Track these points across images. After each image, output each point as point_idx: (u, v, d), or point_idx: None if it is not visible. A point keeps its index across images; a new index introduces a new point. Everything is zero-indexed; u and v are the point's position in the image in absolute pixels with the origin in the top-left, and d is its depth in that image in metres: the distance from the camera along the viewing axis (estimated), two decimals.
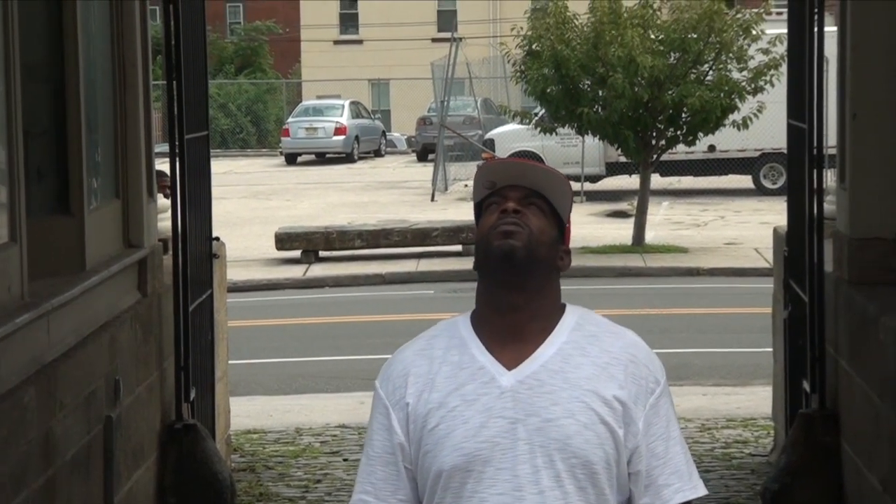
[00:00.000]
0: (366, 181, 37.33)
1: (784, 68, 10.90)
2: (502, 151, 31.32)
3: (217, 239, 9.22)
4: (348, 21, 60.38)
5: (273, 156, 48.85)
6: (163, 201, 8.45)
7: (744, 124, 21.84)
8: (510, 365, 3.20)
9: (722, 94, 21.16)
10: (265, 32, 63.74)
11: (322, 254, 22.05)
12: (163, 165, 8.41)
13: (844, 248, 7.34)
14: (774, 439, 9.76)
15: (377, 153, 47.60)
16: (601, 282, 19.62)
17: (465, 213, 24.83)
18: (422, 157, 43.59)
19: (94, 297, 6.54)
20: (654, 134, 21.91)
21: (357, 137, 45.66)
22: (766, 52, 21.33)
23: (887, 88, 7.18)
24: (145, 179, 7.63)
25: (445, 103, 34.61)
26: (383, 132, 49.06)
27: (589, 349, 3.23)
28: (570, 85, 21.51)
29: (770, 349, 10.08)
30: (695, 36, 21.30)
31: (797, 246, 8.24)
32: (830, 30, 7.64)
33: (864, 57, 7.24)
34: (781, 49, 18.58)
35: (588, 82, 21.56)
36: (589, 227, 24.76)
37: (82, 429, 6.08)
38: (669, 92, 21.14)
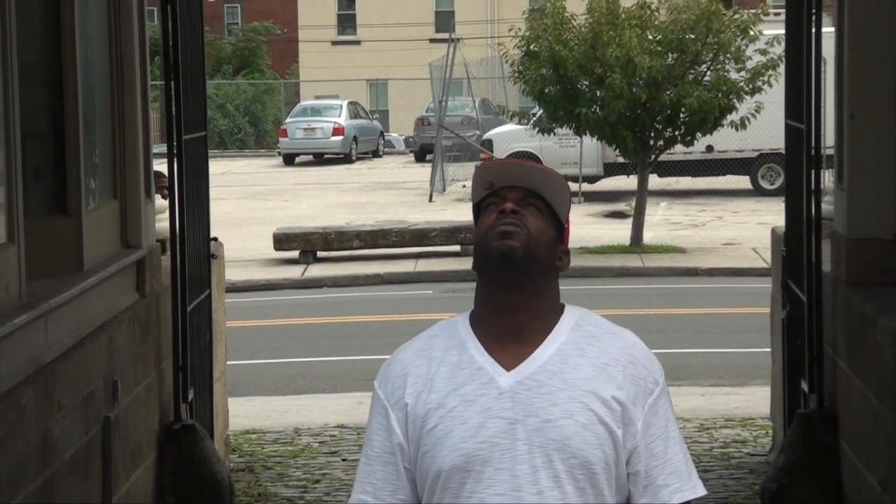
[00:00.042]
0: (364, 181, 37.33)
1: (782, 69, 10.89)
2: (500, 152, 31.32)
3: (215, 239, 9.22)
4: (346, 22, 60.37)
5: (271, 156, 48.84)
6: (161, 202, 8.45)
7: (742, 125, 21.85)
8: (509, 365, 3.20)
9: (720, 95, 21.17)
10: (263, 33, 63.76)
11: (320, 254, 22.05)
12: (161, 166, 8.41)
13: (842, 249, 7.34)
14: (773, 439, 9.76)
15: (375, 153, 47.60)
16: (599, 282, 19.63)
17: (463, 214, 24.84)
18: (420, 157, 43.59)
19: (92, 298, 6.54)
20: (652, 134, 21.92)
21: (355, 138, 45.65)
22: (763, 52, 21.33)
23: (885, 89, 7.18)
24: (143, 180, 7.63)
25: (443, 104, 34.61)
26: (381, 132, 49.05)
27: (588, 350, 3.23)
28: (568, 85, 21.52)
29: (768, 349, 10.09)
30: (692, 36, 21.30)
31: (795, 246, 8.25)
32: (828, 30, 7.65)
33: (862, 58, 7.25)
34: (779, 49, 18.58)
35: (586, 83, 21.57)
36: (587, 228, 24.76)
37: (80, 429, 6.08)
38: (667, 92, 21.15)
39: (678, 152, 26.48)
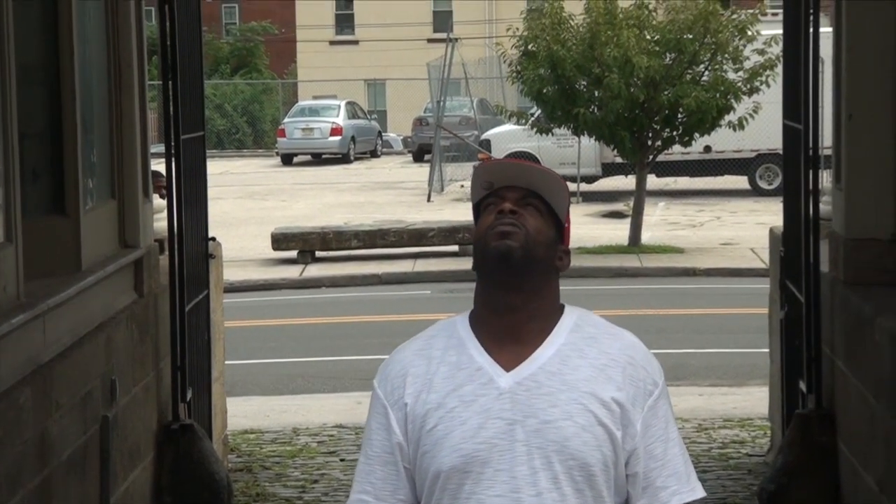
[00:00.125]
0: (362, 181, 37.32)
1: (780, 69, 10.90)
2: (498, 152, 31.32)
3: (213, 239, 9.21)
4: (344, 21, 60.35)
5: (269, 156, 48.83)
6: (159, 202, 8.45)
7: (739, 125, 21.85)
8: (508, 366, 3.20)
9: (718, 95, 21.17)
10: (261, 33, 63.75)
11: (318, 254, 22.05)
12: (159, 166, 8.40)
13: (840, 249, 7.34)
14: (771, 439, 9.76)
15: (373, 154, 47.59)
16: (597, 282, 19.63)
17: (461, 214, 24.83)
18: (418, 157, 43.57)
19: (90, 298, 6.54)
20: (650, 134, 21.92)
21: (353, 138, 45.64)
22: (761, 52, 21.33)
23: (882, 89, 7.19)
24: (141, 180, 7.63)
25: (441, 104, 34.60)
26: (379, 133, 49.04)
27: (587, 351, 3.23)
28: (566, 85, 21.52)
29: (766, 349, 10.09)
30: (690, 36, 21.30)
31: (793, 246, 8.25)
32: (826, 30, 7.65)
33: (860, 57, 7.25)
34: (777, 50, 18.59)
35: (584, 83, 21.56)
36: (585, 228, 24.76)
37: (78, 429, 6.07)
38: (665, 92, 21.15)
39: (676, 152, 26.48)
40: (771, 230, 9.84)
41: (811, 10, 7.78)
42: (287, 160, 45.08)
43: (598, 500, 3.16)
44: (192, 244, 8.34)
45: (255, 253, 22.80)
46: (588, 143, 27.51)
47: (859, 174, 7.27)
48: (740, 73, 21.54)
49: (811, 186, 7.74)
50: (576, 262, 20.05)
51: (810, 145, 7.79)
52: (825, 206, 7.92)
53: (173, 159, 8.07)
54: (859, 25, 7.27)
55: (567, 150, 30.33)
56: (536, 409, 3.16)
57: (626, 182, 28.71)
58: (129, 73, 7.51)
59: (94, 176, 7.08)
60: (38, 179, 6.55)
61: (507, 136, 32.22)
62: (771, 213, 22.90)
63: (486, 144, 33.02)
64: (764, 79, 21.31)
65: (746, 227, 24.92)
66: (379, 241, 22.00)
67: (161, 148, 8.24)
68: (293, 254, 21.96)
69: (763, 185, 30.83)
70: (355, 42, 59.16)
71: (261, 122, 53.91)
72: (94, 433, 6.31)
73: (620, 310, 16.39)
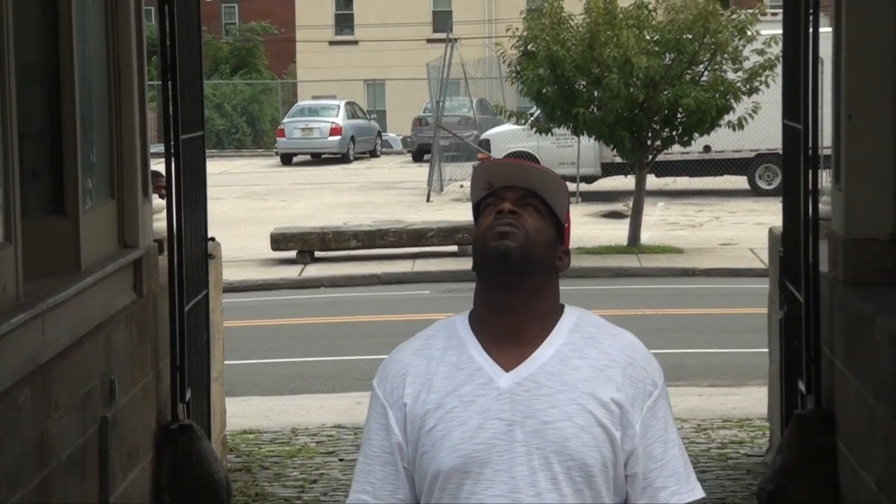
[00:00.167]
0: (361, 181, 37.32)
1: (779, 69, 10.90)
2: (498, 152, 31.32)
3: (212, 239, 9.21)
4: (343, 22, 60.36)
5: (268, 156, 48.83)
6: (158, 201, 8.45)
7: (739, 125, 21.86)
8: (508, 366, 3.20)
9: (717, 95, 21.17)
10: (260, 33, 63.75)
11: (318, 254, 22.05)
12: (158, 166, 8.40)
13: (839, 249, 7.34)
14: (770, 440, 9.76)
15: (373, 154, 47.59)
16: (597, 282, 19.63)
17: (460, 214, 24.84)
18: (417, 157, 43.58)
19: (90, 298, 6.54)
20: (650, 134, 21.93)
21: (352, 138, 45.65)
22: (761, 52, 21.34)
23: (882, 89, 7.18)
24: (140, 180, 7.63)
25: (441, 104, 34.61)
26: (379, 133, 49.05)
27: (587, 351, 3.22)
28: (566, 85, 21.52)
29: (766, 350, 10.09)
30: (690, 36, 21.31)
31: (792, 246, 8.25)
32: (825, 30, 7.64)
33: (859, 57, 7.25)
34: (776, 50, 18.59)
35: (583, 83, 21.57)
36: (584, 228, 24.76)
37: (77, 429, 6.07)
38: (665, 92, 21.15)
39: (676, 152, 26.49)
40: (770, 230, 9.84)
41: (811, 10, 7.78)
42: (286, 160, 45.09)
43: (597, 500, 3.16)
44: (192, 244, 8.34)
45: (254, 253, 22.80)
46: (587, 143, 27.51)
47: (859, 174, 7.27)
48: (740, 73, 21.54)
49: (811, 186, 7.74)
50: (575, 262, 20.03)
51: (810, 145, 7.79)
52: (824, 206, 7.91)
53: (173, 159, 8.07)
54: (859, 25, 7.27)
55: (566, 150, 30.33)
56: (536, 410, 3.16)
57: (626, 182, 28.72)
58: (128, 72, 7.51)
59: (93, 176, 7.08)
60: (38, 179, 6.55)
61: (507, 136, 32.22)
62: (770, 213, 22.90)
63: (486, 144, 33.03)
64: (763, 79, 21.32)
65: (746, 227, 24.92)
66: (378, 241, 22.00)
67: (160, 148, 8.24)
68: (292, 254, 21.96)
69: (762, 185, 30.83)
70: (355, 42, 59.17)
71: (260, 122, 53.91)
72: (93, 433, 6.31)
73: (620, 310, 16.39)
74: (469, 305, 3.31)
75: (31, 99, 6.30)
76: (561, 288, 3.32)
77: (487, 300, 3.25)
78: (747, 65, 21.53)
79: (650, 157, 22.54)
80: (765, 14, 23.61)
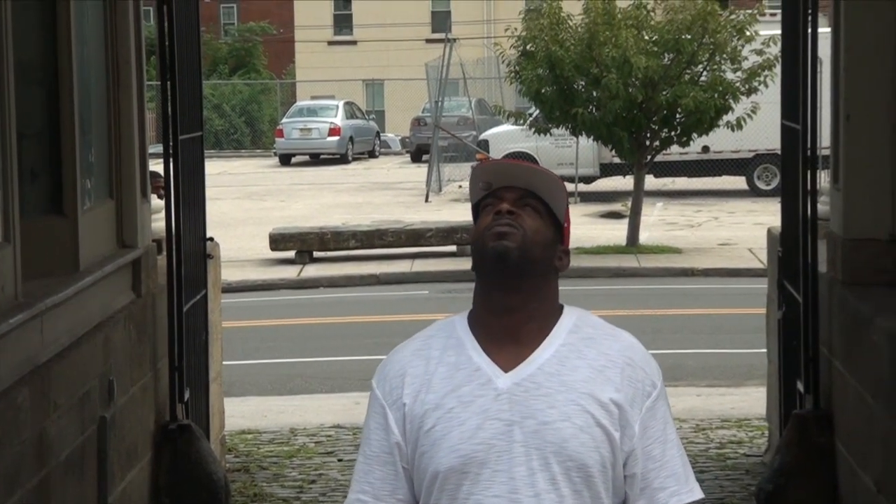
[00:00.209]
0: (360, 182, 37.32)
1: (778, 69, 10.91)
2: (496, 152, 31.32)
3: (211, 239, 9.21)
4: (342, 22, 60.36)
5: (267, 156, 48.83)
6: (157, 202, 8.45)
7: (738, 125, 21.86)
8: (507, 367, 3.20)
9: (716, 95, 21.17)
10: (259, 33, 63.75)
11: (316, 254, 22.05)
12: (157, 166, 8.40)
13: (838, 249, 7.35)
14: (769, 440, 9.77)
15: (371, 154, 47.59)
16: (595, 282, 19.63)
17: (459, 214, 24.83)
18: (416, 157, 43.58)
19: (88, 298, 6.54)
20: (649, 135, 21.93)
21: (351, 138, 45.64)
22: (759, 52, 21.35)
23: (881, 89, 7.19)
24: (139, 180, 7.63)
25: (439, 104, 34.60)
26: (377, 133, 49.04)
27: (586, 352, 3.22)
28: (565, 85, 21.52)
29: (764, 350, 10.09)
30: (689, 37, 21.31)
31: (791, 246, 8.25)
32: (824, 31, 7.64)
33: (858, 58, 7.25)
34: (775, 50, 18.59)
35: (582, 83, 21.57)
36: (583, 228, 24.76)
37: (76, 429, 6.07)
38: (663, 93, 21.16)
39: (674, 153, 26.49)
40: (769, 230, 9.84)
41: (809, 11, 7.78)
42: (285, 160, 45.08)
43: (595, 501, 3.16)
44: (190, 244, 8.34)
45: (253, 253, 22.79)
46: (586, 143, 27.51)
47: (857, 174, 7.27)
48: (738, 74, 21.54)
49: (809, 187, 7.74)
50: (574, 262, 19.95)
51: (808, 145, 7.79)
52: (823, 207, 7.92)
53: (171, 159, 8.07)
54: (858, 26, 7.27)
55: (565, 151, 30.32)
56: (535, 410, 3.16)
57: (624, 182, 28.71)
58: (127, 73, 7.50)
59: (92, 176, 7.08)
60: (37, 179, 6.55)
61: (506, 137, 32.22)
62: (769, 214, 22.90)
63: (485, 145, 33.03)
64: (762, 79, 21.32)
65: (744, 228, 24.92)
66: (377, 241, 22.00)
67: (159, 148, 8.24)
68: (291, 254, 21.96)
69: (761, 185, 30.83)
70: (353, 42, 59.17)
71: (259, 123, 53.90)
72: (91, 433, 6.31)
73: (618, 310, 16.39)
74: (468, 306, 3.31)
75: (29, 99, 6.29)
76: (560, 288, 3.32)
77: (486, 300, 3.25)
78: (746, 65, 21.54)
79: (649, 157, 22.54)
80: (763, 14, 23.61)
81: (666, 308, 17.66)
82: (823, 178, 8.90)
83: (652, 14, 21.89)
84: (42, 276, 6.18)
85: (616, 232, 23.97)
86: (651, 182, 28.29)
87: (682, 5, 21.77)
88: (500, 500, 3.13)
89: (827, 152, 7.83)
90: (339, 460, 9.94)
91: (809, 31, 7.78)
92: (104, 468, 6.44)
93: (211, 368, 9.10)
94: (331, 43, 59.45)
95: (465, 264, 3.37)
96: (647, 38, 21.52)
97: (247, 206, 31.11)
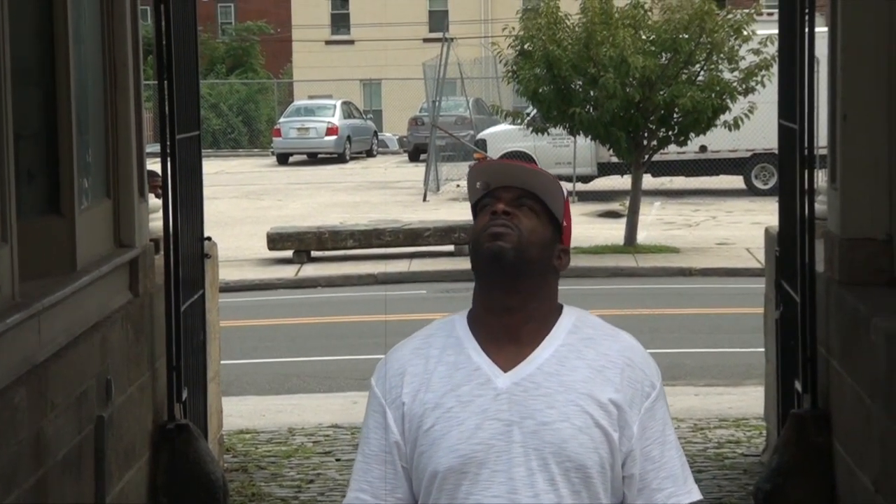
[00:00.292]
0: (357, 181, 37.32)
1: (775, 69, 10.91)
2: (494, 152, 31.32)
3: (209, 239, 9.21)
4: (340, 21, 60.35)
5: (264, 156, 48.81)
6: (154, 201, 8.44)
7: (735, 125, 21.86)
8: (506, 367, 3.20)
9: (713, 95, 21.18)
10: (256, 33, 63.73)
11: (314, 254, 22.04)
12: (154, 165, 8.40)
13: (835, 249, 7.35)
14: (766, 439, 9.77)
15: (369, 153, 47.58)
16: (593, 282, 19.62)
17: (456, 214, 24.82)
18: (413, 157, 43.57)
19: (86, 297, 6.54)
20: (646, 134, 21.93)
21: (349, 138, 45.63)
22: (757, 52, 21.35)
23: (878, 89, 7.19)
24: (136, 179, 7.62)
25: (437, 103, 34.60)
26: (375, 132, 49.04)
27: (585, 352, 3.22)
28: (562, 85, 21.52)
29: (762, 349, 10.09)
30: (686, 36, 21.31)
31: (789, 246, 8.25)
32: (821, 30, 7.64)
33: (855, 58, 7.25)
34: (772, 50, 18.59)
35: (580, 82, 21.57)
36: (581, 228, 24.75)
37: (73, 429, 6.07)
38: (661, 92, 21.16)
39: (672, 152, 26.50)
40: (766, 230, 9.84)
41: (806, 10, 7.78)
42: (283, 160, 45.07)
43: (594, 501, 3.15)
44: (188, 244, 8.34)
45: (250, 253, 22.79)
46: (584, 142, 27.52)
47: (854, 174, 7.28)
48: (736, 73, 21.54)
49: (806, 186, 7.75)
50: (572, 261, 19.91)
51: (806, 145, 7.79)
52: (820, 206, 7.92)
53: (169, 159, 8.06)
54: (855, 25, 7.27)
55: (563, 150, 30.32)
56: (534, 411, 3.15)
57: (622, 182, 28.72)
58: (124, 72, 7.50)
59: (89, 176, 7.07)
60: (34, 179, 6.54)
61: (503, 136, 32.22)
62: (766, 213, 22.90)
63: (482, 144, 33.02)
64: (759, 79, 21.32)
65: (742, 227, 24.93)
66: (375, 240, 21.99)
67: (157, 147, 8.23)
68: (289, 253, 21.95)
69: (758, 184, 30.84)
70: (351, 42, 59.16)
71: (256, 122, 53.88)
72: (89, 433, 6.31)
73: (616, 309, 16.39)
74: (465, 305, 3.30)
75: (26, 99, 6.29)
76: (558, 288, 3.32)
77: (485, 300, 3.25)
78: (743, 65, 21.53)
79: (646, 156, 22.54)
80: (761, 14, 23.62)
81: (664, 307, 17.66)
82: (821, 178, 8.91)
83: (649, 14, 21.89)
84: (39, 276, 6.17)
85: (614, 231, 23.97)
86: (649, 181, 28.29)
87: (679, 5, 21.77)
88: (499, 500, 3.13)
89: (824, 152, 7.84)
90: (338, 460, 9.94)
91: (806, 30, 7.78)
92: (102, 468, 6.44)
93: (209, 368, 9.09)
94: (328, 42, 59.44)
95: (463, 264, 3.37)
96: (644, 37, 21.52)
97: (244, 205, 31.10)
